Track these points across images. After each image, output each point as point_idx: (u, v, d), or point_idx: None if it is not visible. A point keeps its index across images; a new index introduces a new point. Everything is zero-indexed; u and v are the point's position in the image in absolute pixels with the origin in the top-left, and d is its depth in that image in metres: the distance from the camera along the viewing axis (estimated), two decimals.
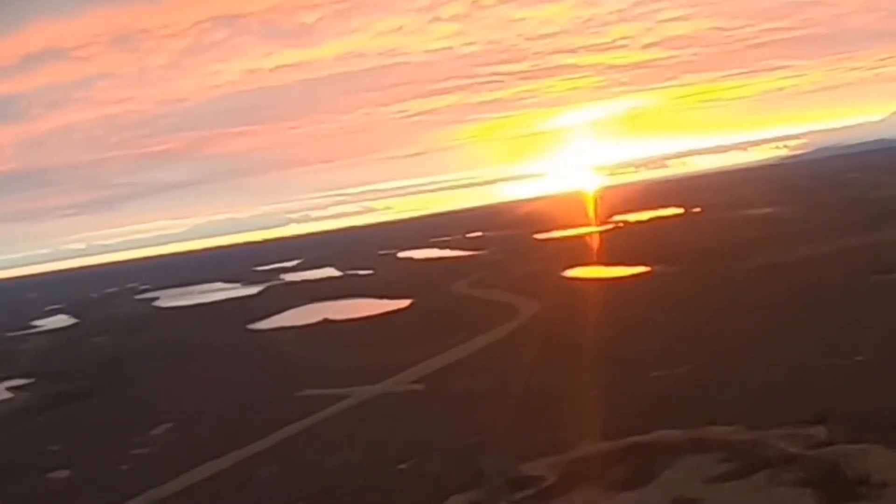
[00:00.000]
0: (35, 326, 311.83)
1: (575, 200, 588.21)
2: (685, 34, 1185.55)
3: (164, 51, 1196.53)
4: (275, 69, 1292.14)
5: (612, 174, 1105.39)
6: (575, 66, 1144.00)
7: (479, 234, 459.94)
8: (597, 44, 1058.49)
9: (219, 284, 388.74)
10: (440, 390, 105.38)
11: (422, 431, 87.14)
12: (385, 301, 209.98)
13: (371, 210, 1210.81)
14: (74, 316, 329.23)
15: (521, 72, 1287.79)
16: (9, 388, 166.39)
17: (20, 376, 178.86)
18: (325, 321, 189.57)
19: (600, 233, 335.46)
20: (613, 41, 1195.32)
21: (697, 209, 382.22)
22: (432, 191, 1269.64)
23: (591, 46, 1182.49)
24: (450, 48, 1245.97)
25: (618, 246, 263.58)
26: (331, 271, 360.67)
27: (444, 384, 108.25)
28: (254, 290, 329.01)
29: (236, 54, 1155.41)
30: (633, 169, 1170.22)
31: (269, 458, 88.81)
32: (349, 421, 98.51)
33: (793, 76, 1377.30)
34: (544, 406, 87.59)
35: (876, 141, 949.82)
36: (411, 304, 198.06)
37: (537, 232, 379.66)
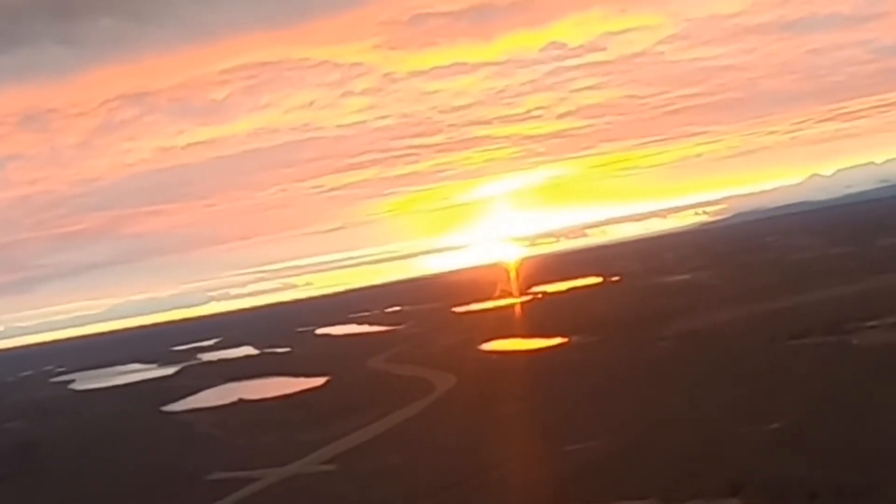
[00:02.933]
0: None
1: (495, 272, 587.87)
2: (600, 103, 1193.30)
3: (74, 130, 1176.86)
4: (187, 146, 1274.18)
5: (531, 244, 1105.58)
6: (490, 138, 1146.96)
7: (398, 308, 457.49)
8: (511, 115, 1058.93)
9: (136, 365, 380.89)
10: (352, 470, 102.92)
11: None
12: (301, 379, 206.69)
13: (291, 286, 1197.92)
14: None
15: (437, 144, 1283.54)
16: None
17: None
18: (240, 401, 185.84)
19: (519, 304, 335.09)
20: (528, 111, 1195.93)
21: (616, 278, 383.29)
22: (352, 266, 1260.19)
23: (506, 117, 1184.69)
24: (363, 122, 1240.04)
25: (536, 317, 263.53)
26: (248, 350, 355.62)
27: (356, 463, 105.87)
28: (170, 370, 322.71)
29: (147, 132, 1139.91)
30: (552, 239, 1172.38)
31: None
32: None
33: (710, 142, 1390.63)
34: (456, 483, 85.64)
35: (795, 204, 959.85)
36: (327, 382, 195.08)
37: (456, 305, 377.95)
